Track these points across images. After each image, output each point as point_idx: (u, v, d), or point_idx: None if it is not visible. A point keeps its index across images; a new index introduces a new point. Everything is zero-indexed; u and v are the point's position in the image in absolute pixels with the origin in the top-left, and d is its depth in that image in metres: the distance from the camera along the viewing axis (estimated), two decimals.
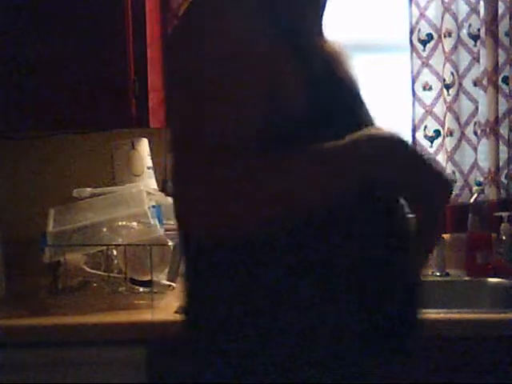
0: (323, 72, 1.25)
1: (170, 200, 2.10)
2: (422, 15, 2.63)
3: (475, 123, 2.61)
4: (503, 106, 2.59)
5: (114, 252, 2.20)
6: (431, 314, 2.04)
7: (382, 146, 1.14)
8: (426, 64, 2.64)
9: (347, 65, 1.37)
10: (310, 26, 1.31)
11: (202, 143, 1.10)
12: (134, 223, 2.15)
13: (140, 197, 2.19)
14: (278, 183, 1.11)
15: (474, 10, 2.59)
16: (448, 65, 2.61)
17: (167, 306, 2.10)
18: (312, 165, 1.13)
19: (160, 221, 2.16)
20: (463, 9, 2.61)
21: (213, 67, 1.13)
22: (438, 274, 2.54)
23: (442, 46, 2.62)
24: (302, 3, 1.31)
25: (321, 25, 1.36)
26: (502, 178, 2.60)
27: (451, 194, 1.23)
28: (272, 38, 1.17)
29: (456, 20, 2.60)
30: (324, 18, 1.37)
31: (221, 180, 1.09)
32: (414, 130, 2.66)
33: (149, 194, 2.25)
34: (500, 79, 2.58)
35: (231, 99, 1.12)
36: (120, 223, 2.15)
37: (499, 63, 2.58)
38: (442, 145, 2.64)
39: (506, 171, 2.59)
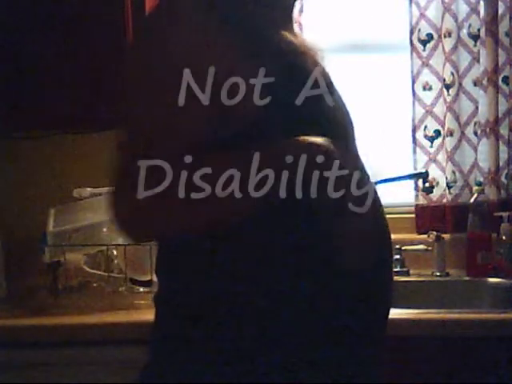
0: (287, 67, 1.22)
1: None
2: (422, 15, 2.63)
3: (475, 123, 2.60)
4: (503, 106, 2.58)
5: (114, 252, 2.20)
6: (431, 314, 2.05)
7: None
8: (425, 64, 2.64)
9: (317, 59, 1.34)
10: (275, 20, 1.28)
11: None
12: None
13: None
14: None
15: (474, 10, 2.59)
16: (448, 65, 2.61)
17: None
18: None
19: None
20: (463, 9, 2.61)
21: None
22: (438, 273, 2.54)
23: (442, 45, 2.61)
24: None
25: (290, 19, 1.34)
26: (502, 178, 2.59)
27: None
28: (224, 39, 1.17)
29: (456, 20, 2.60)
30: (293, 11, 1.35)
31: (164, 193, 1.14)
32: (413, 130, 2.65)
33: None
34: (500, 79, 2.58)
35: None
36: None
37: (499, 63, 2.57)
38: (441, 145, 2.63)
39: (505, 171, 2.59)
